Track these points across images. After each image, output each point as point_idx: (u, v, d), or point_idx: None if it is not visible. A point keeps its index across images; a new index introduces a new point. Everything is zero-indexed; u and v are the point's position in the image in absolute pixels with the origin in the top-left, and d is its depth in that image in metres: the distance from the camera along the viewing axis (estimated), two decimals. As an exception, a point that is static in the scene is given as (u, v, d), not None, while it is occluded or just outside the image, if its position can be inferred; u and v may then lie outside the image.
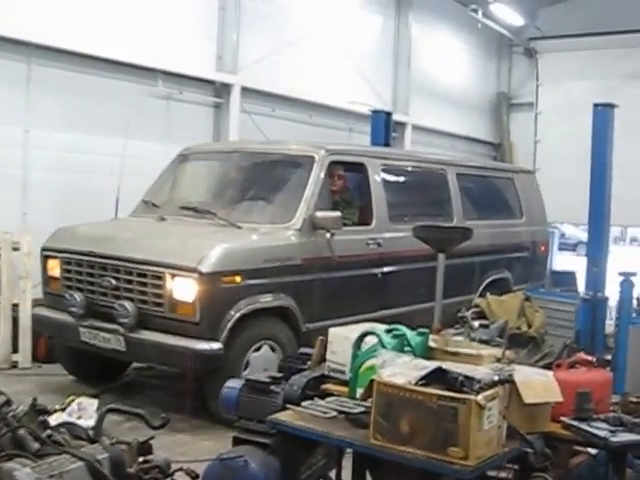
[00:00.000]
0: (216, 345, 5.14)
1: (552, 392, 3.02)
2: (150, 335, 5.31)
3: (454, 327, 4.71)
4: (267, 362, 5.33)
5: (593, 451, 3.38)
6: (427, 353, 3.22)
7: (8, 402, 3.14)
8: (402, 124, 13.10)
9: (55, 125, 7.96)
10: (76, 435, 2.99)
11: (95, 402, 3.30)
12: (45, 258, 6.15)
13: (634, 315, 8.31)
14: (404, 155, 7.84)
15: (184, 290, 5.19)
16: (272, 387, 3.60)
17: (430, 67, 14.12)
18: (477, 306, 5.15)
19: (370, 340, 3.31)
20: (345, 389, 3.32)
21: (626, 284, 5.32)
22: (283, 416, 3.13)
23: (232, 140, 7.28)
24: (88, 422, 3.12)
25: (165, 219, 6.22)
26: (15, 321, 6.91)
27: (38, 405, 3.01)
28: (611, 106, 6.58)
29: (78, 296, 5.66)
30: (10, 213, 7.52)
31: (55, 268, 6.04)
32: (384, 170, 6.70)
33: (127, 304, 5.35)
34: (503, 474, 3.35)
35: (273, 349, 5.51)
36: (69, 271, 5.92)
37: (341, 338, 3.50)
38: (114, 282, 5.49)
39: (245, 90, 9.97)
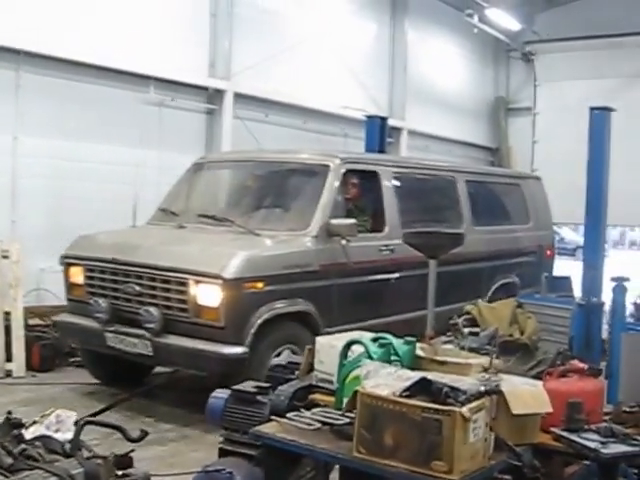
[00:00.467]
0: (241, 349, 5.27)
1: (541, 402, 2.95)
2: (176, 340, 5.45)
3: (446, 334, 4.64)
4: (289, 366, 5.49)
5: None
6: (415, 362, 3.14)
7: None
8: (398, 129, 13.08)
9: (45, 132, 7.92)
10: (51, 449, 2.91)
11: (73, 414, 3.22)
12: (67, 265, 6.26)
13: (631, 320, 8.28)
14: (415, 163, 8.02)
15: (209, 296, 5.32)
16: (258, 397, 3.54)
17: (426, 72, 14.10)
18: (468, 313, 5.08)
19: (358, 349, 3.23)
20: (333, 399, 3.24)
21: (619, 290, 5.24)
22: (267, 428, 3.06)
23: (246, 149, 7.52)
24: (66, 435, 3.04)
25: (184, 227, 6.34)
26: (7, 329, 6.84)
27: (13, 418, 2.94)
28: (608, 110, 6.52)
29: (103, 302, 5.78)
30: (-1, 221, 7.49)
31: (78, 275, 6.16)
32: (396, 178, 6.89)
33: (152, 309, 5.48)
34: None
35: (295, 353, 5.57)
36: (92, 278, 6.04)
37: (328, 347, 3.43)
38: (137, 288, 5.62)
39: (238, 96, 9.94)
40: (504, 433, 2.80)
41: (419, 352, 3.21)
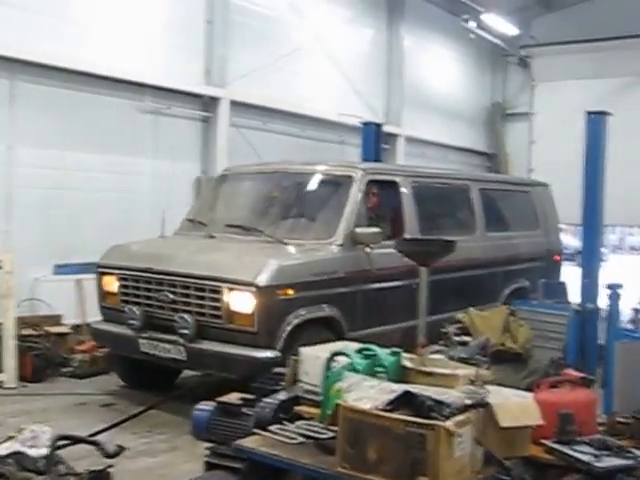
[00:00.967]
0: (273, 353, 5.45)
1: (531, 414, 2.87)
2: (210, 345, 5.65)
3: (438, 343, 4.56)
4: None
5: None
6: (401, 373, 3.07)
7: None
8: (395, 136, 13.02)
9: (39, 142, 7.85)
10: (24, 466, 2.83)
11: (48, 430, 3.14)
12: (101, 274, 6.48)
13: (630, 326, 8.19)
14: (432, 172, 8.36)
15: (242, 302, 5.52)
16: (244, 409, 3.49)
17: (423, 78, 14.06)
18: (460, 322, 5.00)
19: (343, 360, 3.17)
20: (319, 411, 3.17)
21: (614, 297, 5.15)
22: (249, 442, 3.00)
23: (272, 161, 7.67)
24: (40, 451, 2.97)
25: (214, 237, 6.56)
26: (-1, 340, 6.80)
27: (-15, 435, 2.85)
28: (604, 114, 6.46)
29: (137, 310, 5.99)
30: (-8, 231, 7.43)
31: (111, 284, 6.38)
32: (414, 187, 7.13)
33: (187, 316, 5.69)
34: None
35: None
36: (126, 286, 6.24)
37: (313, 358, 3.38)
38: (171, 296, 5.82)
39: (234, 104, 9.89)
40: (493, 446, 2.73)
41: (406, 363, 3.14)
